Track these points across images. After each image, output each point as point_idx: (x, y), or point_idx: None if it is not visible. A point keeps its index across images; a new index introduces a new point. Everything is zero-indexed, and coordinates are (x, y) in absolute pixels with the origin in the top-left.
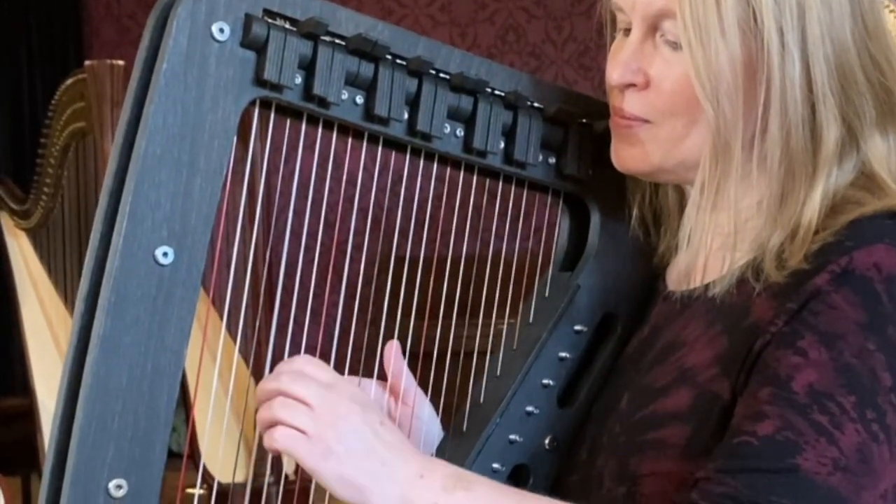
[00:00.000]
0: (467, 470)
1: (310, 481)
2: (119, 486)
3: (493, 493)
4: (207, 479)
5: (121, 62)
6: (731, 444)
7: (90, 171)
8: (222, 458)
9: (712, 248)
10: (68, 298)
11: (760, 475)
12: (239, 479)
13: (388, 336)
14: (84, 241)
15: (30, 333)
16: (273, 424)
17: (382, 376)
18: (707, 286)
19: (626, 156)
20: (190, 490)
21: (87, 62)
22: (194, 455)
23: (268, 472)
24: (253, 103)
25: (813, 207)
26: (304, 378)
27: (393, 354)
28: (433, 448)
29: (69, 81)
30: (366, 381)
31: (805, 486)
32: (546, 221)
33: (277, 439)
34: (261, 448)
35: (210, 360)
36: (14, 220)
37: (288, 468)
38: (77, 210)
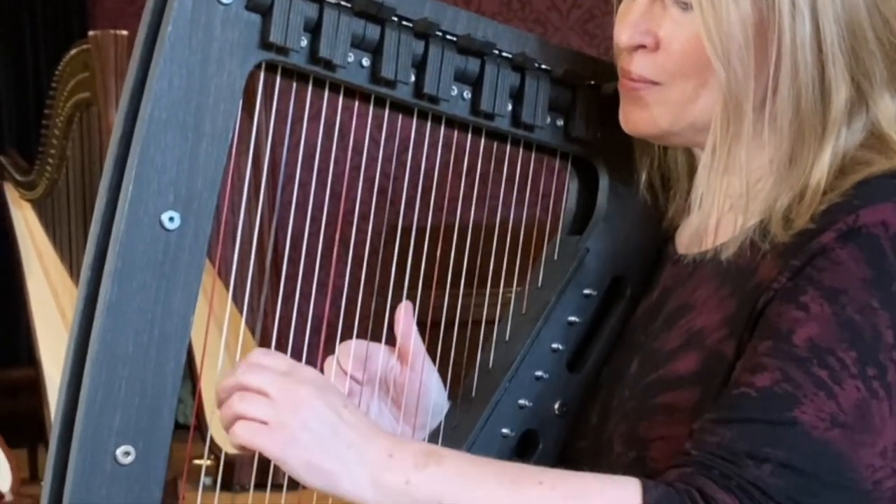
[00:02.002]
0: (469, 441)
1: None
2: (127, 453)
3: (465, 464)
4: (214, 450)
5: (124, 32)
6: (730, 395)
7: (94, 141)
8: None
9: (723, 210)
10: (73, 269)
11: (756, 426)
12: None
13: (395, 306)
14: (89, 211)
15: (35, 305)
16: (234, 420)
17: (392, 344)
18: (716, 249)
19: (635, 118)
20: (197, 461)
21: (90, 32)
22: (201, 426)
23: None
24: (258, 66)
25: (822, 168)
26: (260, 369)
27: (403, 316)
28: (440, 418)
29: (73, 52)
30: (374, 345)
31: (801, 440)
32: (553, 188)
33: (239, 434)
34: None
35: (216, 331)
36: (19, 191)
37: None
38: (82, 180)
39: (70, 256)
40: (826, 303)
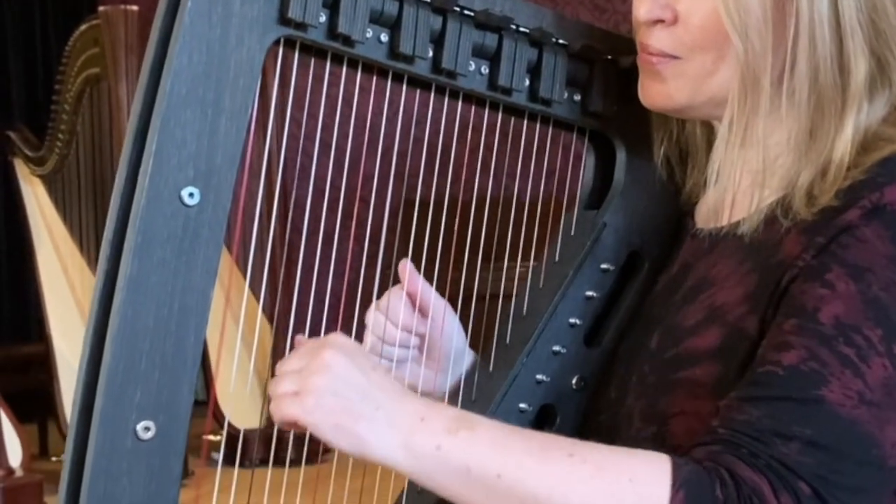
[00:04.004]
0: (487, 416)
1: None
2: (147, 428)
3: (496, 432)
4: (222, 424)
5: (134, 7)
6: (756, 373)
7: (104, 117)
8: (237, 404)
9: (741, 185)
10: (83, 245)
11: (783, 404)
12: (254, 425)
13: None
14: (99, 187)
15: (45, 280)
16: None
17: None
18: (736, 224)
19: (654, 93)
20: (208, 437)
21: (100, 8)
22: (209, 401)
23: None
24: (277, 42)
25: (844, 143)
26: (286, 361)
27: (409, 275)
28: (461, 363)
29: (83, 27)
30: (393, 292)
31: (828, 418)
32: (570, 163)
33: (272, 411)
34: None
35: (229, 307)
36: (29, 166)
37: None
38: (92, 156)
39: (80, 232)
40: (851, 280)
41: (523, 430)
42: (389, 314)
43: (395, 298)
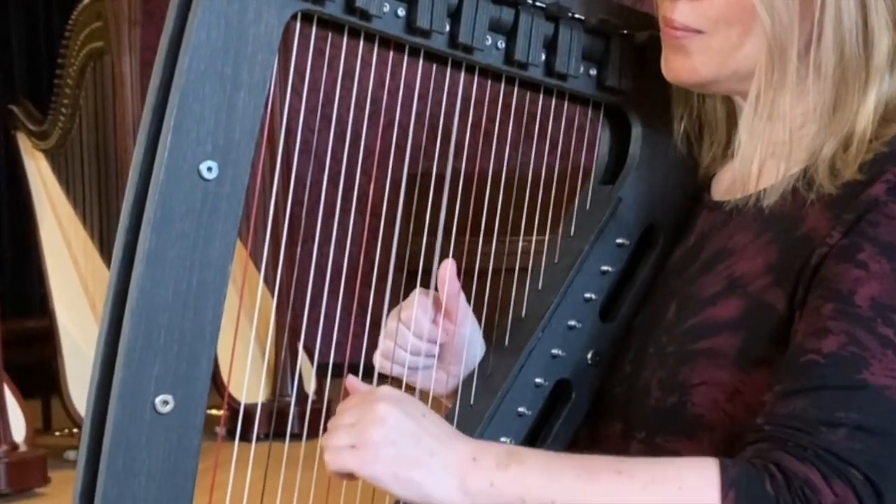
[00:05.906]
0: (503, 390)
1: (333, 401)
2: (165, 402)
3: (545, 461)
4: (230, 400)
5: None
6: (797, 364)
7: (108, 91)
8: (246, 379)
9: (765, 157)
10: (87, 219)
11: (827, 392)
12: (256, 399)
13: (415, 253)
14: (102, 161)
15: (48, 254)
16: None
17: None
18: (757, 196)
19: (678, 67)
20: (213, 411)
21: None
22: (217, 376)
23: (294, 393)
24: (294, 17)
25: (866, 115)
26: (340, 414)
27: (448, 276)
28: (474, 365)
29: (86, 1)
30: (423, 298)
31: (873, 400)
32: (586, 138)
33: (328, 461)
34: (283, 369)
35: (231, 280)
36: (32, 141)
37: (309, 388)
38: (95, 130)
39: (83, 206)
40: (884, 259)
41: (570, 455)
42: (409, 324)
43: (419, 308)
